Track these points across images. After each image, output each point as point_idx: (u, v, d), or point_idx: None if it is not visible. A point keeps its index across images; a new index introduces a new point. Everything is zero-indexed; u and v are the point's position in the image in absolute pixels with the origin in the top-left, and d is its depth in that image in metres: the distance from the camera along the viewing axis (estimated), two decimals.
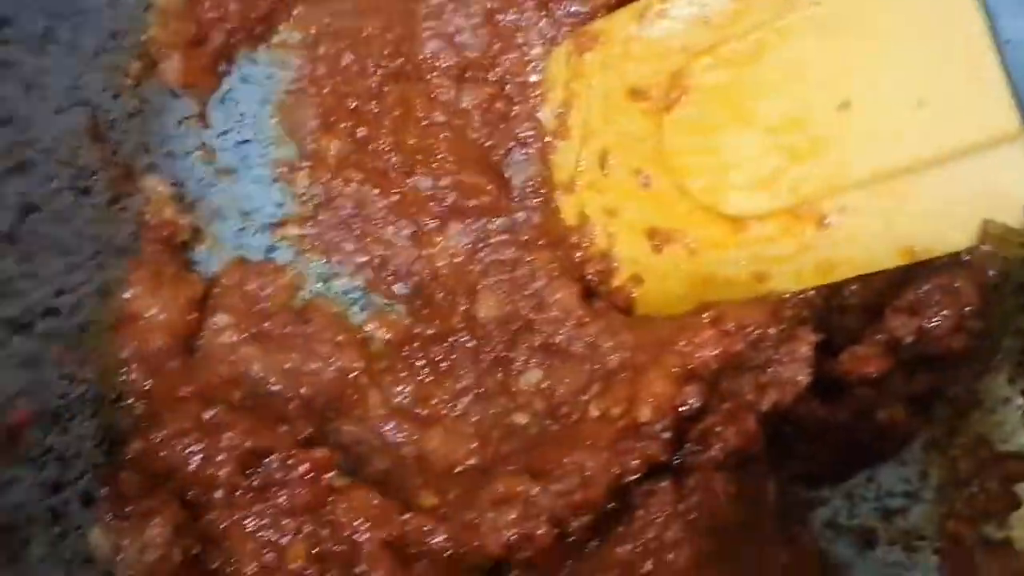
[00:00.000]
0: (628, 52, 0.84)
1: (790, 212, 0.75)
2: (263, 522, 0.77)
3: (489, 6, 0.90)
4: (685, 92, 0.80)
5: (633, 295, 0.86)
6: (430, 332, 0.90)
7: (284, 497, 0.77)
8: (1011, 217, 0.67)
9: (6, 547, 0.69)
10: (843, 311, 0.80)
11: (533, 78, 0.90)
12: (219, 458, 0.77)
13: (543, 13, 0.89)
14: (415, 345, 0.89)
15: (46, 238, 0.78)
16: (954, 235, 0.70)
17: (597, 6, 0.88)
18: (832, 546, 0.85)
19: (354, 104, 0.95)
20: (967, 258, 0.76)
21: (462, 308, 0.89)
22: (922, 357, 0.79)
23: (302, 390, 0.87)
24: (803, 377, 0.75)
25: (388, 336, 0.91)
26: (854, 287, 0.79)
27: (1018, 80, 0.65)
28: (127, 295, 0.85)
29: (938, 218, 0.70)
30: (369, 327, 0.91)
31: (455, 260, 0.90)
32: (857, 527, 0.86)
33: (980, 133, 0.66)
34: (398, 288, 0.92)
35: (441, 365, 0.88)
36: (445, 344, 0.88)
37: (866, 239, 0.73)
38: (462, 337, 0.88)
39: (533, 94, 0.90)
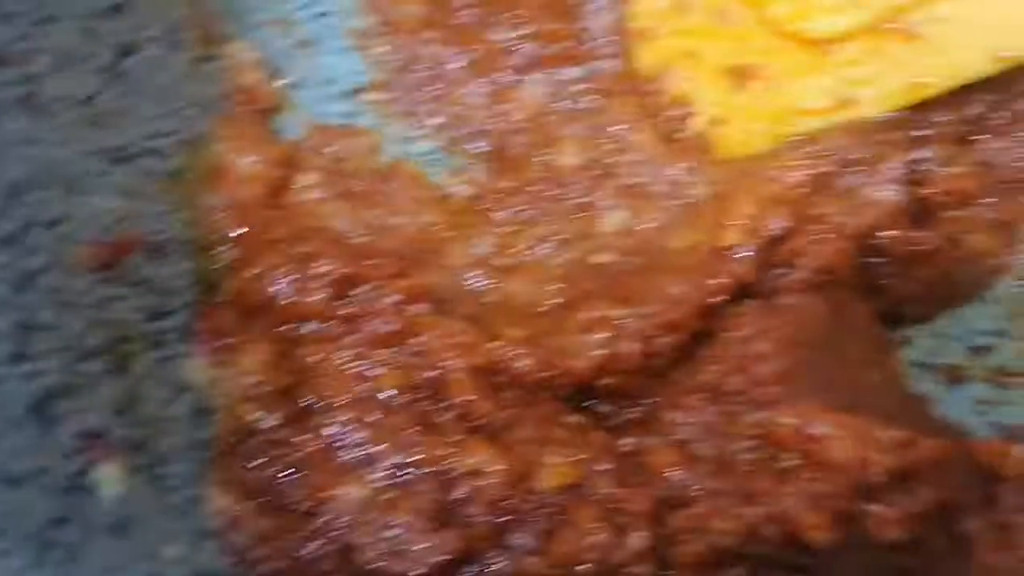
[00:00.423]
0: None
1: (875, 30, 0.75)
2: (354, 353, 0.78)
3: None
4: None
5: (715, 138, 0.86)
6: (510, 185, 0.90)
7: (375, 327, 0.78)
8: None
9: (113, 358, 0.71)
10: (932, 141, 0.80)
11: None
12: (312, 286, 0.78)
13: None
14: (495, 199, 0.90)
15: (141, 81, 0.80)
16: None
17: None
18: (919, 383, 0.84)
19: None
20: None
21: (542, 158, 0.89)
22: (1012, 181, 0.79)
23: (387, 243, 0.88)
24: (893, 195, 0.75)
25: (468, 192, 0.92)
26: (944, 116, 0.79)
27: None
28: (219, 148, 0.87)
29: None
30: (448, 185, 0.92)
31: (533, 111, 0.90)
32: (944, 365, 0.85)
33: None
34: (476, 146, 0.93)
35: (523, 215, 0.89)
36: (525, 195, 0.89)
37: (956, 48, 0.73)
38: (542, 186, 0.89)
39: None
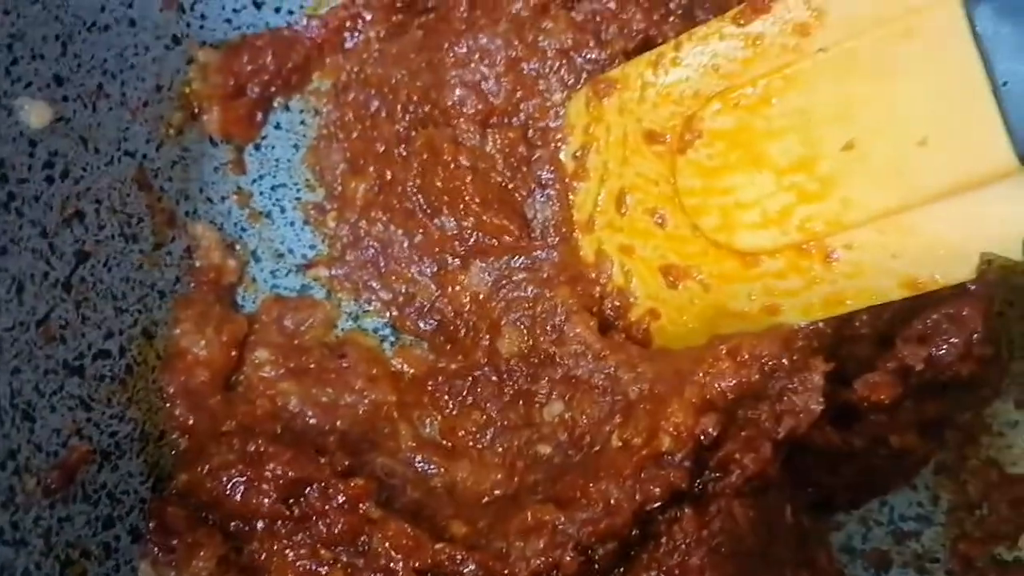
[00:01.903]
0: (644, 97, 0.88)
1: (798, 248, 0.79)
2: (302, 552, 0.81)
3: (512, 55, 0.94)
4: (698, 136, 0.84)
5: (650, 329, 0.89)
6: (454, 367, 0.94)
7: (323, 527, 0.81)
8: (1010, 250, 0.71)
9: None
10: (854, 341, 0.84)
11: (554, 123, 0.94)
12: (263, 487, 0.81)
13: (563, 61, 0.93)
14: (440, 380, 0.93)
15: (98, 284, 0.83)
16: (956, 268, 0.73)
17: (615, 53, 0.93)
18: (847, 569, 0.88)
19: (382, 148, 1.00)
20: (973, 287, 0.80)
21: (484, 344, 0.93)
22: (932, 384, 0.83)
23: (338, 423, 0.91)
24: (816, 405, 0.79)
25: (413, 371, 0.95)
26: (864, 317, 0.83)
27: (1015, 120, 0.68)
28: (176, 331, 0.90)
29: (940, 252, 0.73)
30: (396, 363, 0.95)
31: (477, 297, 0.94)
32: (871, 551, 0.89)
33: (979, 170, 0.70)
34: (422, 325, 0.97)
35: (467, 399, 0.92)
36: (469, 379, 0.92)
37: (871, 273, 0.76)
38: (485, 371, 0.92)
39: (554, 138, 0.94)
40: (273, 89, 1.00)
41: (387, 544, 0.79)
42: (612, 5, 0.93)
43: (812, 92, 0.77)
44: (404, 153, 0.99)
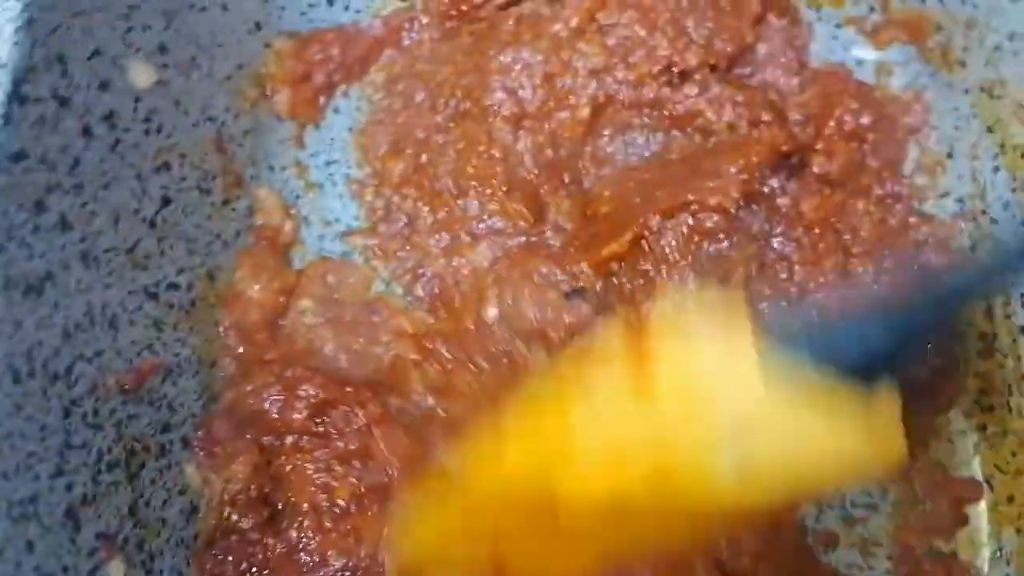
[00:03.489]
0: None
1: None
2: (320, 466, 0.94)
3: (548, 70, 1.08)
4: None
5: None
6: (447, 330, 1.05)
7: (341, 443, 0.94)
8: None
9: (128, 468, 0.85)
10: None
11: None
12: (295, 404, 0.94)
13: (593, 80, 1.07)
14: (439, 340, 1.04)
15: (176, 226, 0.96)
16: None
17: (641, 76, 1.06)
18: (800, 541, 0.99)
19: (422, 135, 1.11)
20: None
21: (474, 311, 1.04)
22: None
23: (364, 368, 1.03)
24: None
25: (421, 331, 1.06)
26: None
27: None
28: (235, 276, 1.03)
29: None
30: (411, 322, 1.07)
31: (474, 271, 1.06)
32: (822, 530, 1.00)
33: None
34: (423, 291, 1.08)
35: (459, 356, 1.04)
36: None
37: None
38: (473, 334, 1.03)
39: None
40: (336, 78, 1.14)
41: (383, 448, 0.93)
42: (642, 33, 1.07)
43: None
44: (441, 141, 1.10)
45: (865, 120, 1.06)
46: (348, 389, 0.97)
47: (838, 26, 1.13)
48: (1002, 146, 0.98)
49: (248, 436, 0.95)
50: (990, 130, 1.00)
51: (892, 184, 1.05)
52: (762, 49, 1.09)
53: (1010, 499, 0.95)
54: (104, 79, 0.86)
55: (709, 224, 0.99)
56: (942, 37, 1.04)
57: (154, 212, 0.93)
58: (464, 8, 1.14)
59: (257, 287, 1.03)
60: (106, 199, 0.85)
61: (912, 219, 1.04)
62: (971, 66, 1.02)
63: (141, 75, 0.90)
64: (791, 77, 1.08)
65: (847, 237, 1.02)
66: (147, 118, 0.92)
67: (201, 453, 0.93)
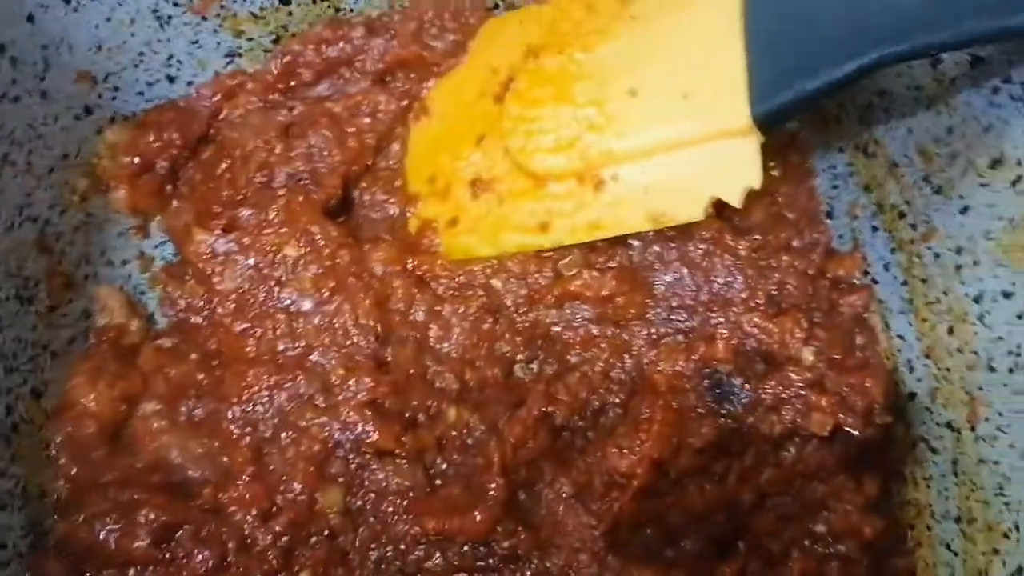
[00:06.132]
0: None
1: (578, 175, 0.91)
2: None
3: None
4: (524, 73, 0.96)
5: (443, 239, 0.99)
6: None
7: (193, 565, 0.84)
8: (732, 198, 0.84)
9: None
10: None
11: None
12: (136, 532, 0.84)
13: None
14: None
15: None
16: (690, 208, 0.86)
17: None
18: None
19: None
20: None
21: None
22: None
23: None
24: None
25: None
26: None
27: (755, 87, 0.81)
28: (68, 385, 0.92)
29: (682, 193, 0.87)
30: None
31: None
32: None
33: (722, 126, 0.83)
34: None
35: None
36: None
37: (627, 204, 0.89)
38: None
39: None
40: (180, 160, 1.05)
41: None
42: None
43: (617, 47, 0.92)
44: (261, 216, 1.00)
45: None
46: (194, 503, 0.88)
47: None
48: (879, 206, 0.95)
49: (86, 575, 0.85)
50: (867, 189, 0.96)
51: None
52: None
53: None
54: None
55: None
56: None
57: None
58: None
59: (93, 396, 0.93)
60: None
61: None
62: (845, 124, 0.98)
63: None
64: None
65: None
66: None
67: None
